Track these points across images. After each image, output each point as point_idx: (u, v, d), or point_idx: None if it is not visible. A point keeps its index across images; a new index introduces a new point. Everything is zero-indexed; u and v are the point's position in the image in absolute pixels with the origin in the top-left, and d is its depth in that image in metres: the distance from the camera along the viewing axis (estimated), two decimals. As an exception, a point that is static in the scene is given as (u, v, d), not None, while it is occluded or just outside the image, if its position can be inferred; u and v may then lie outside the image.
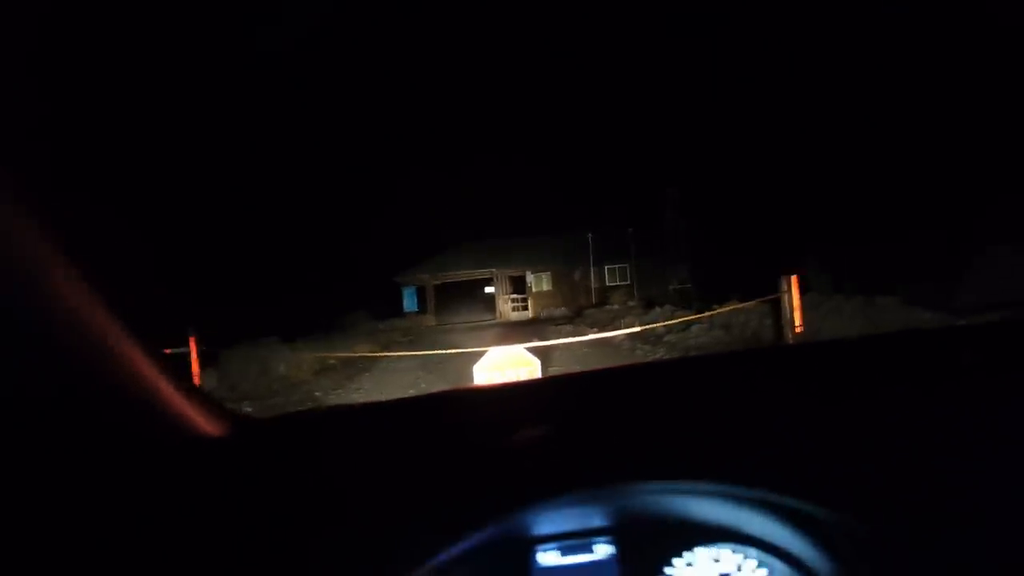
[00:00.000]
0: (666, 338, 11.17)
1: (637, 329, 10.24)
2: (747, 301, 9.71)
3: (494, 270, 29.33)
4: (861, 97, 15.27)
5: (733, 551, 0.84)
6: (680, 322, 11.09)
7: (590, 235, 28.52)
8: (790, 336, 6.78)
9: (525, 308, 29.01)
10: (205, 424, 0.76)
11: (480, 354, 6.12)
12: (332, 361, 12.27)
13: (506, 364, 5.93)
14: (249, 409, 7.92)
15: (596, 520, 0.86)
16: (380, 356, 12.35)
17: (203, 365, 8.18)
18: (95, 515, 0.65)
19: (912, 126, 12.88)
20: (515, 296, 29.44)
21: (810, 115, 16.98)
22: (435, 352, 9.35)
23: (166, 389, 0.70)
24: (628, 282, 28.04)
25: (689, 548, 0.85)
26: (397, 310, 28.78)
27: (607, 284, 28.47)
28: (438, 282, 29.64)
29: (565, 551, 0.85)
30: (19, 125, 0.53)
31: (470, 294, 30.00)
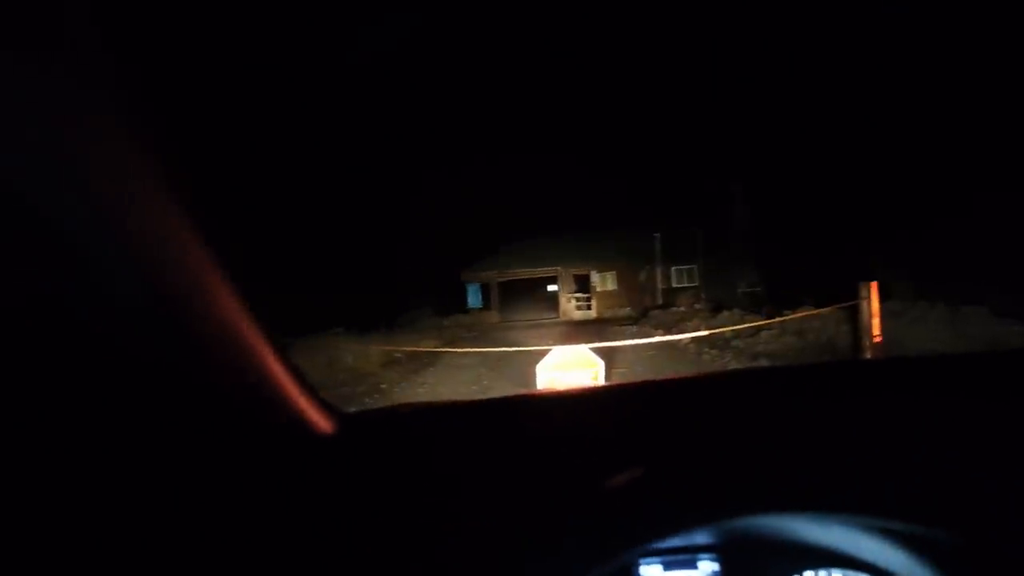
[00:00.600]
0: (734, 343, 10.88)
1: (704, 333, 10.02)
2: (821, 307, 9.36)
3: (559, 268, 29.27)
4: (954, 89, 14.43)
5: (843, 575, 0.82)
6: (749, 327, 10.77)
7: (657, 235, 28.05)
8: (868, 345, 6.49)
9: (589, 307, 28.82)
10: (318, 419, 0.76)
11: (543, 353, 6.12)
12: (397, 355, 12.52)
13: (570, 364, 5.90)
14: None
15: (701, 537, 0.85)
16: (444, 351, 12.51)
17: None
18: (216, 507, 0.67)
19: (1010, 126, 12.09)
20: (579, 295, 29.29)
21: (895, 108, 16.18)
22: (498, 349, 9.40)
23: (288, 383, 0.70)
24: (695, 284, 27.44)
25: (797, 570, 0.83)
26: (461, 306, 29.11)
27: (673, 285, 27.95)
28: (503, 279, 29.80)
29: (668, 566, 0.85)
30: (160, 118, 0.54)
31: (534, 292, 30.04)
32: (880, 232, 15.16)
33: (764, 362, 9.23)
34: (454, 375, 9.99)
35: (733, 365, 9.32)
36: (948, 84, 14.46)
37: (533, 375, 5.89)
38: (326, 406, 0.80)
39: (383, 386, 9.37)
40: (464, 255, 30.13)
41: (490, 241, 30.30)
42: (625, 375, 8.60)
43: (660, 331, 13.56)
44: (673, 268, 28.29)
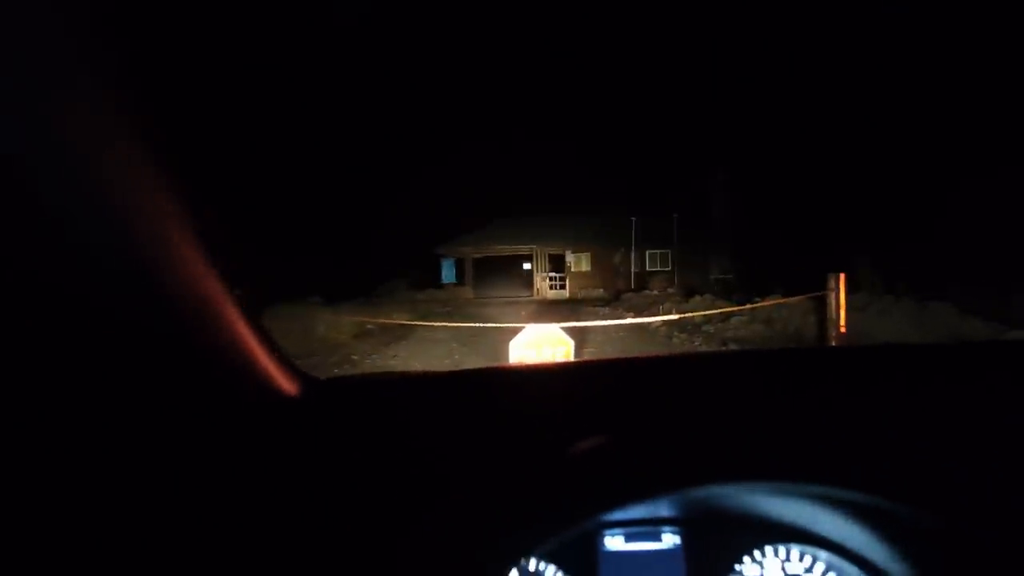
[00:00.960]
0: (704, 328, 11.04)
1: (675, 317, 10.15)
2: (791, 296, 9.52)
3: (534, 247, 29.27)
4: (926, 87, 14.64)
5: (802, 552, 0.84)
6: (720, 313, 10.93)
7: (633, 218, 28.17)
8: (833, 336, 6.64)
9: (563, 287, 28.94)
10: (284, 383, 0.76)
11: (515, 330, 6.15)
12: (370, 326, 12.47)
13: (541, 342, 5.95)
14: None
15: (664, 510, 0.86)
16: (417, 325, 12.49)
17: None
18: (185, 469, 0.66)
19: (980, 124, 12.32)
20: (553, 275, 29.37)
21: (870, 104, 16.38)
22: (471, 325, 9.42)
23: (256, 348, 0.70)
24: (669, 268, 27.70)
25: (757, 545, 0.85)
26: (435, 281, 29.04)
27: (647, 269, 28.17)
28: (478, 255, 29.74)
29: (631, 537, 0.86)
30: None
31: (509, 269, 30.02)
32: (852, 225, 15.41)
33: (733, 347, 9.39)
34: (427, 349, 9.99)
35: (703, 349, 9.48)
36: (924, 80, 14.66)
37: (505, 351, 5.93)
38: (294, 371, 0.80)
39: (354, 357, 9.34)
40: (440, 230, 30.00)
41: (467, 217, 30.20)
42: (595, 355, 8.69)
43: (632, 313, 13.70)
44: (648, 252, 28.48)
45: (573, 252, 29.25)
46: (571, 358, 5.68)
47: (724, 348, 9.33)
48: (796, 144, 19.21)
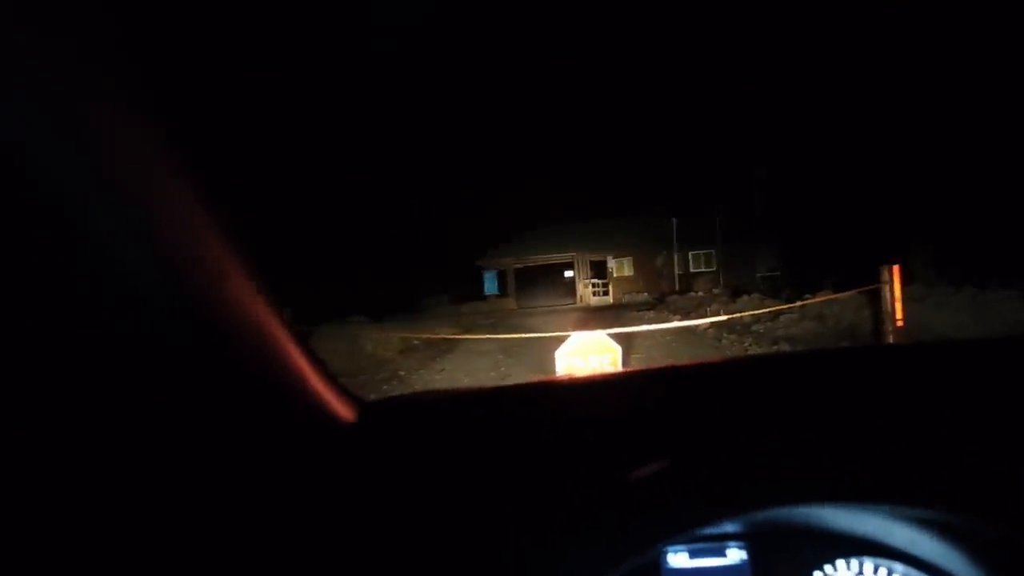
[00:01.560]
0: (753, 328, 10.79)
1: (723, 318, 9.95)
2: (841, 291, 9.24)
3: (575, 254, 29.19)
4: (974, 70, 14.10)
5: (876, 565, 0.81)
6: (768, 311, 10.68)
7: (674, 219, 27.84)
8: (890, 330, 6.41)
9: (606, 293, 28.74)
10: (339, 408, 0.76)
11: (560, 339, 6.11)
12: (416, 341, 12.60)
13: (588, 350, 5.90)
14: (338, 386, 8.24)
15: (730, 526, 0.83)
16: (462, 338, 12.56)
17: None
18: (240, 499, 0.66)
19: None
20: (596, 281, 29.21)
21: (916, 91, 15.86)
22: (516, 336, 9.41)
23: (309, 372, 0.70)
24: (713, 269, 27.26)
25: (828, 559, 0.81)
26: (478, 293, 29.20)
27: (691, 270, 27.79)
28: (519, 265, 29.80)
29: (695, 554, 0.84)
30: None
31: (550, 278, 30.01)
32: (903, 216, 14.92)
33: (785, 347, 9.16)
34: (472, 361, 10.02)
35: (754, 350, 9.27)
36: (967, 61, 14.14)
37: (551, 361, 5.89)
38: (347, 394, 0.80)
39: (402, 373, 9.43)
40: (481, 242, 30.18)
41: (506, 228, 30.29)
42: (643, 360, 8.58)
43: (678, 316, 13.50)
44: (691, 253, 28.10)
45: (615, 257, 29.08)
46: (619, 365, 5.61)
47: (777, 348, 9.10)
48: (838, 135, 18.70)
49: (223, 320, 0.59)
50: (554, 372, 5.65)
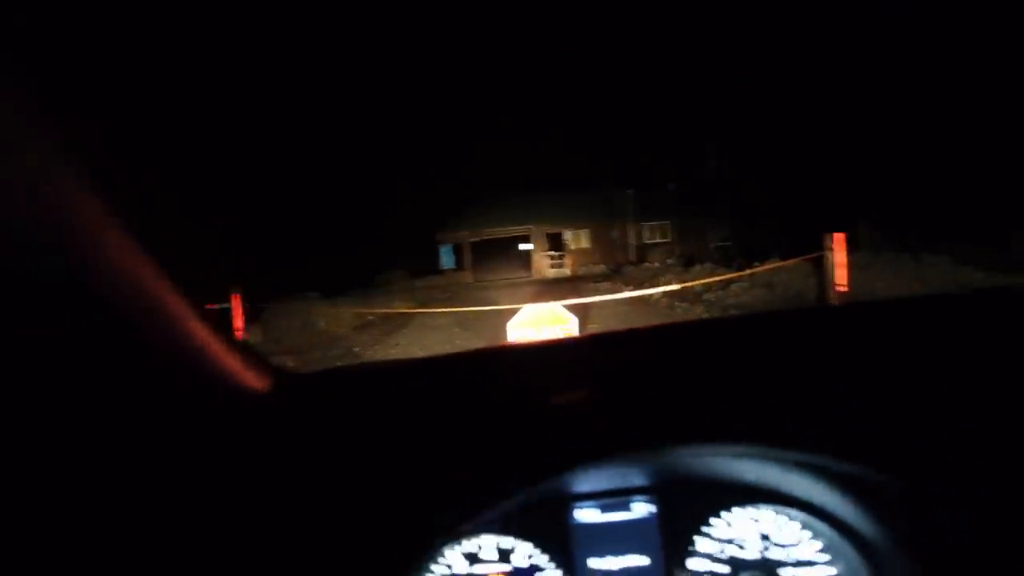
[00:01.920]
0: (705, 296, 11.01)
1: (676, 287, 10.11)
2: (789, 259, 9.47)
3: (531, 227, 29.20)
4: (912, 47, 14.47)
5: (774, 511, 0.84)
6: (720, 280, 10.89)
7: (630, 191, 28.03)
8: (833, 295, 6.60)
9: (562, 265, 28.90)
10: (250, 379, 0.75)
11: (516, 311, 6.13)
12: (370, 317, 12.47)
13: (541, 321, 5.94)
14: (291, 363, 8.12)
15: (635, 479, 0.86)
16: (417, 312, 12.49)
17: (248, 320, 8.41)
18: (144, 470, 0.66)
19: (967, 79, 12.20)
20: (552, 253, 29.32)
21: (858, 61, 16.21)
22: (471, 309, 9.40)
23: (211, 344, 0.69)
24: (668, 240, 27.61)
25: (728, 508, 0.84)
26: (434, 267, 29.00)
27: (646, 242, 28.11)
28: (475, 239, 29.68)
29: (604, 508, 0.86)
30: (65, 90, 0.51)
31: (507, 251, 29.98)
32: (850, 184, 15.32)
33: (733, 314, 9.37)
34: (427, 335, 9.98)
35: (705, 317, 9.45)
36: (913, 32, 14.49)
37: (506, 333, 5.91)
38: (261, 365, 0.79)
39: (355, 349, 9.34)
40: (436, 216, 29.89)
41: (462, 201, 30.04)
42: (597, 330, 8.66)
43: (632, 287, 13.65)
44: (646, 224, 28.38)
45: (571, 229, 29.17)
46: (574, 334, 5.65)
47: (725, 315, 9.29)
48: (788, 105, 19.04)
49: (110, 298, 0.58)
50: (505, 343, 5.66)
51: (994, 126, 11.52)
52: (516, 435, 0.74)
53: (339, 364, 8.01)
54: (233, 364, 0.73)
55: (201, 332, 0.67)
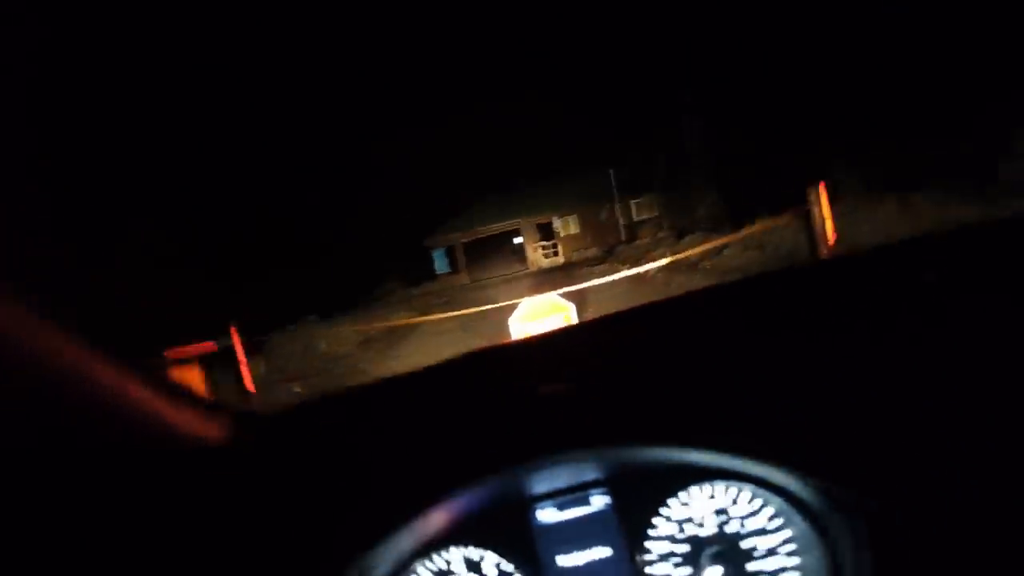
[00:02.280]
0: (700, 265, 11.01)
1: (668, 260, 10.11)
2: (776, 215, 9.46)
3: (520, 219, 29.14)
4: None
5: (727, 486, 0.85)
6: (712, 247, 10.88)
7: (611, 171, 27.96)
8: (824, 251, 6.60)
9: (556, 253, 28.85)
10: (205, 429, 0.74)
11: (515, 306, 6.14)
12: (372, 332, 12.46)
13: (541, 313, 5.95)
14: (298, 390, 8.13)
15: (590, 473, 0.87)
16: (417, 321, 12.48)
17: (250, 353, 8.39)
18: (94, 536, 0.66)
19: (938, 17, 12.18)
20: (544, 243, 29.26)
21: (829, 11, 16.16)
22: (470, 311, 9.40)
23: (151, 403, 0.66)
24: (656, 214, 27.55)
25: (684, 487, 0.85)
26: (429, 273, 28.94)
27: (635, 219, 28.02)
28: (467, 239, 29.61)
29: (562, 506, 0.87)
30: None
31: (500, 247, 29.90)
32: (827, 130, 15.28)
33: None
34: (431, 342, 10.00)
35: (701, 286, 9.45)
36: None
37: (508, 330, 5.92)
38: (218, 412, 0.78)
39: (361, 366, 9.35)
40: (424, 222, 29.85)
41: (448, 204, 30.00)
42: (597, 314, 8.68)
43: (627, 266, 13.65)
44: (632, 202, 28.30)
45: (559, 217, 29.12)
46: (574, 321, 5.67)
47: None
48: (756, 58, 18.95)
49: (44, 377, 0.56)
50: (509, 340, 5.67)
51: (966, 53, 11.48)
52: (475, 430, 0.76)
53: (348, 384, 7.99)
54: (182, 417, 0.71)
55: (139, 393, 0.65)
